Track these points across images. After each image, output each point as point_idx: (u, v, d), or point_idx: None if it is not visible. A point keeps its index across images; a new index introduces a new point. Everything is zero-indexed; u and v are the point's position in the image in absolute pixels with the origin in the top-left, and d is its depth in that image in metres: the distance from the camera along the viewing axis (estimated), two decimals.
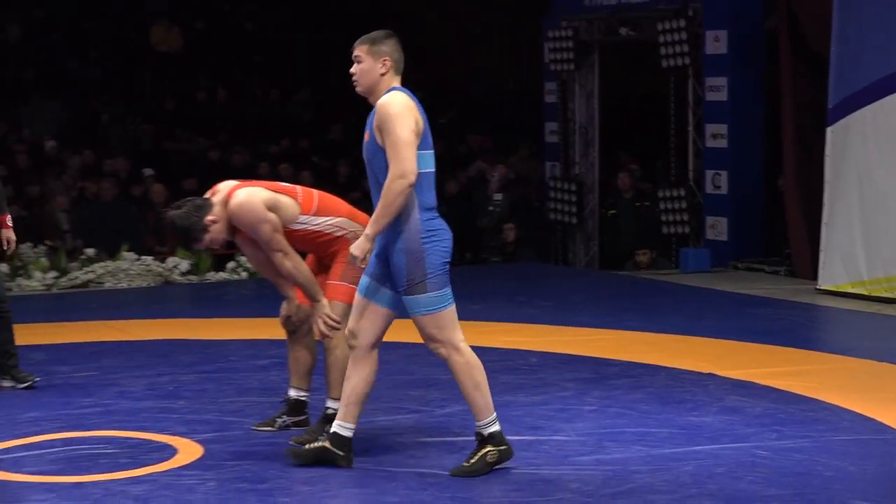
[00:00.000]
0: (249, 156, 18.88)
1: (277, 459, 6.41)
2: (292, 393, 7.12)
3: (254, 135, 19.64)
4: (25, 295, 13.83)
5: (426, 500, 5.73)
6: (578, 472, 6.17)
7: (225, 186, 6.83)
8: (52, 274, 14.22)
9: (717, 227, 14.97)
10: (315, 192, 6.94)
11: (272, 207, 6.70)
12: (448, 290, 6.27)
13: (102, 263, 14.36)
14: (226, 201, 6.73)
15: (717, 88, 14.81)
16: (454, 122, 21.29)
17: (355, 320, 6.31)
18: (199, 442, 6.79)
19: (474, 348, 9.51)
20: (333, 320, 6.64)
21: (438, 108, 21.70)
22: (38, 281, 14.11)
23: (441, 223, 6.22)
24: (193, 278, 14.73)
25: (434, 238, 6.16)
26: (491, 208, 16.82)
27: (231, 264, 15.12)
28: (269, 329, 10.72)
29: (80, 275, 14.26)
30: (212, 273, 14.91)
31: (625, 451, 6.58)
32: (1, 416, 7.55)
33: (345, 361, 6.72)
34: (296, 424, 7.06)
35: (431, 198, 6.18)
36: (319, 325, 6.65)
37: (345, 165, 18.58)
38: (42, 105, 19.35)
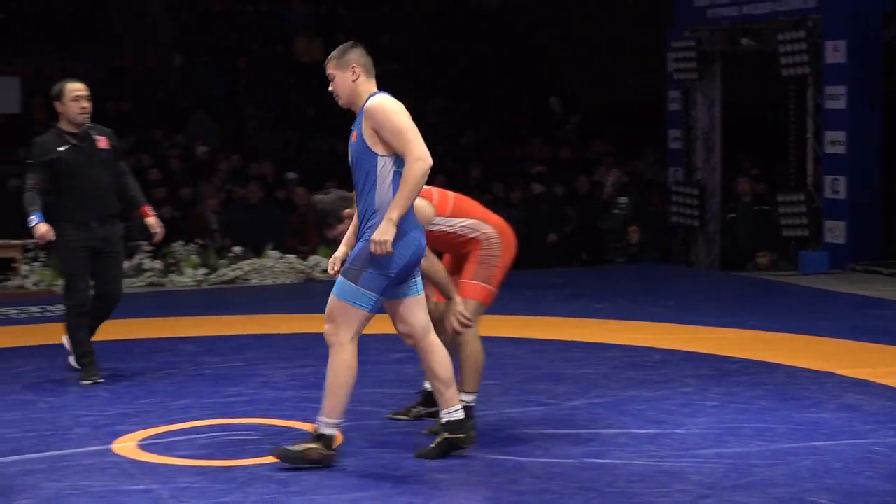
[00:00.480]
0: None
1: (412, 447, 6.43)
2: (427, 385, 7.14)
3: None
4: (177, 290, 14.07)
5: (553, 489, 5.71)
6: (699, 464, 6.11)
7: None
8: (203, 271, 14.43)
9: (836, 231, 14.75)
10: (450, 194, 6.89)
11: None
12: (376, 296, 6.04)
13: (249, 261, 14.54)
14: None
15: (836, 97, 14.58)
16: (580, 128, 21.26)
17: (399, 324, 6.29)
18: (339, 429, 6.83)
19: (598, 345, 9.54)
20: (466, 317, 6.63)
21: (566, 115, 21.72)
22: (189, 277, 14.34)
23: (415, 228, 6.09)
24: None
25: (398, 240, 5.98)
26: (616, 211, 16.75)
27: None
28: None
29: (228, 272, 14.46)
30: None
31: (744, 446, 6.50)
32: (154, 404, 7.68)
33: (476, 357, 6.76)
34: (429, 415, 7.06)
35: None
36: (453, 322, 6.65)
37: (476, 169, 18.62)
38: (197, 116, 19.67)
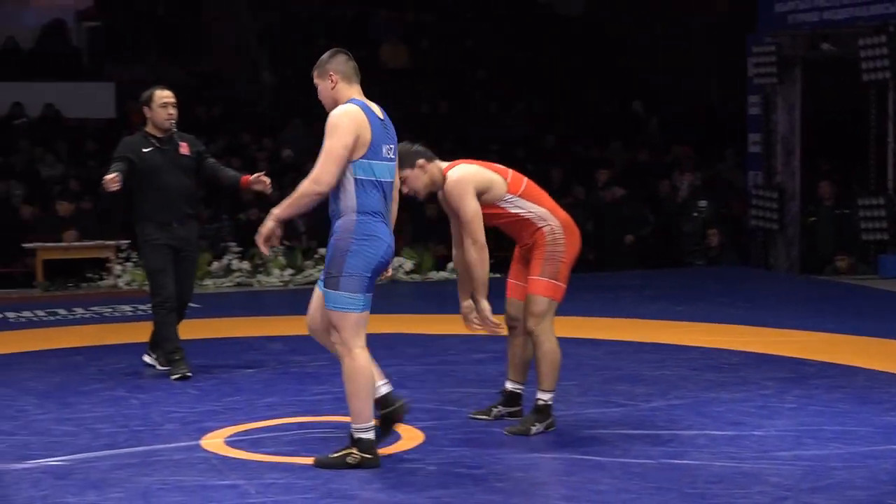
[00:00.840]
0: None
1: (494, 446, 6.43)
2: (508, 385, 7.11)
3: (473, 145, 19.75)
4: (265, 290, 14.17)
5: (632, 489, 5.67)
6: (778, 466, 6.04)
7: (450, 164, 6.85)
8: (289, 272, 14.54)
9: None
10: (525, 178, 6.89)
11: (484, 189, 6.70)
12: (361, 297, 6.03)
13: None
14: (443, 171, 6.75)
15: None
16: (661, 132, 21.14)
17: (315, 311, 6.32)
18: (420, 428, 6.84)
19: (677, 347, 9.48)
20: (492, 322, 6.66)
21: (644, 119, 21.61)
22: (276, 278, 14.45)
23: (380, 230, 6.07)
24: (417, 277, 14.88)
25: (364, 242, 6.00)
26: (695, 214, 16.64)
27: (451, 265, 15.23)
28: None
29: (314, 272, 14.54)
30: (433, 272, 15.05)
31: (823, 448, 6.42)
32: (241, 401, 7.73)
33: (553, 355, 6.75)
34: (510, 415, 7.05)
35: (373, 203, 6.04)
36: (472, 320, 6.72)
37: (558, 173, 18.57)
38: (294, 123, 19.79)
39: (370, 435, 6.07)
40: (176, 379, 8.47)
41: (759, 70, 16.13)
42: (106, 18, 23.30)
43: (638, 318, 11.19)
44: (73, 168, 18.00)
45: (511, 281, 7.06)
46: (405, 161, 6.65)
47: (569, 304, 12.02)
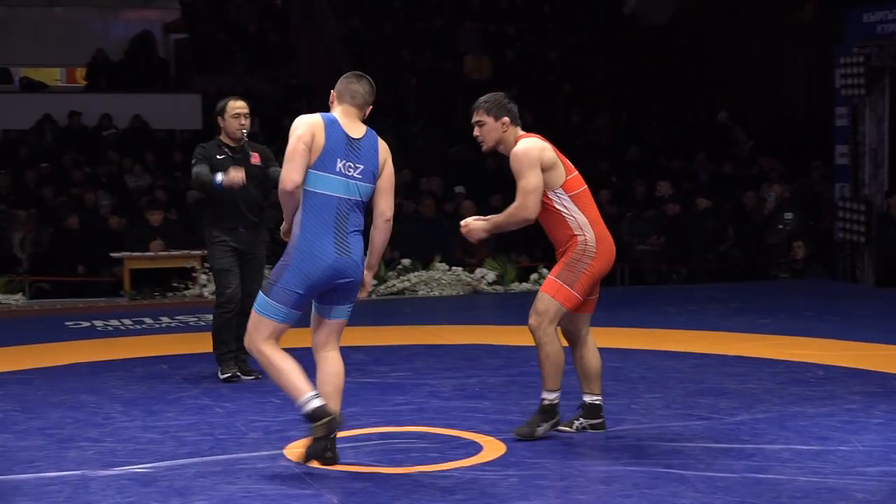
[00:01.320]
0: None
1: (576, 458, 6.40)
2: (586, 398, 7.09)
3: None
4: None
5: (715, 503, 5.62)
6: (864, 482, 5.96)
7: (525, 133, 6.93)
8: (372, 282, 14.57)
9: None
10: (584, 184, 6.93)
11: (547, 166, 6.77)
12: (285, 309, 6.17)
13: (417, 273, 14.65)
14: (518, 137, 6.85)
15: None
16: (752, 147, 20.98)
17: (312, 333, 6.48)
18: (502, 440, 6.84)
19: (762, 360, 9.38)
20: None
21: (730, 130, 21.45)
22: None
23: (322, 248, 6.12)
24: (499, 288, 14.86)
25: (302, 259, 6.12)
26: (780, 226, 16.48)
27: (534, 276, 15.21)
28: None
29: (396, 283, 14.58)
30: (516, 283, 15.03)
31: None
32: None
33: (555, 357, 6.80)
34: (592, 427, 7.03)
35: (319, 219, 6.15)
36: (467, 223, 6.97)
37: (640, 185, 18.49)
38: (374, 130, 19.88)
39: (314, 403, 6.15)
40: (225, 378, 8.80)
41: (846, 81, 15.94)
42: (193, 30, 23.57)
43: (723, 331, 11.10)
44: (160, 179, 18.21)
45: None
46: (493, 109, 6.82)
47: (653, 317, 12.08)
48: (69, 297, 14.85)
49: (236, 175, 8.59)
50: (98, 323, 12.30)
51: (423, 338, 10.74)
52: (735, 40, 23.21)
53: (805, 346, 10.11)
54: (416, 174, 18.39)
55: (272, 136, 20.39)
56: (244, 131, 8.97)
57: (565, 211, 6.81)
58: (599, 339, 10.63)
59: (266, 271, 8.90)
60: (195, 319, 12.31)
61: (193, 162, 8.93)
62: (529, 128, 20.35)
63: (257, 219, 9.06)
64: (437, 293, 14.58)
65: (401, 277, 14.64)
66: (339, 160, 6.19)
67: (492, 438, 6.87)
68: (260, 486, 5.97)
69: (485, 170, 19.34)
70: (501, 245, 16.11)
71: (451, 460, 6.45)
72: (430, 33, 23.41)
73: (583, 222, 6.82)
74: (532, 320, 6.78)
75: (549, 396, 6.84)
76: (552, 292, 6.76)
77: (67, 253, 15.62)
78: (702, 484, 5.93)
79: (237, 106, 9.01)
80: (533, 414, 6.97)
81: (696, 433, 7.02)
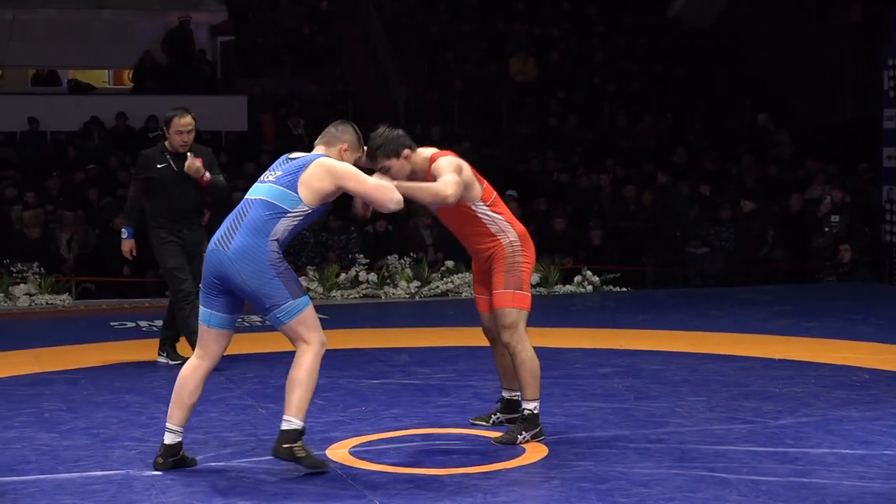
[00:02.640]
0: (596, 178, 18.92)
1: (619, 461, 6.38)
2: (505, 394, 7.24)
3: (602, 158, 19.68)
4: (391, 302, 14.25)
5: None
6: None
7: (430, 149, 6.87)
8: (416, 283, 14.59)
9: None
10: (495, 192, 7.01)
11: (469, 180, 6.77)
12: (202, 309, 6.31)
13: (460, 274, 14.65)
14: (429, 160, 6.77)
15: None
16: (793, 146, 20.86)
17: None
18: (544, 442, 6.82)
19: (807, 364, 9.33)
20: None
21: (774, 132, 21.32)
22: (402, 290, 14.51)
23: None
24: (542, 290, 14.84)
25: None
26: (826, 229, 16.37)
27: (578, 278, 15.18)
28: (613, 339, 10.74)
29: (440, 284, 14.59)
30: (559, 286, 15.01)
31: None
32: (366, 412, 7.78)
33: (531, 364, 6.82)
34: (509, 421, 7.14)
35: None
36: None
37: (687, 186, 18.42)
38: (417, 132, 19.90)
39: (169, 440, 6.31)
40: (179, 363, 9.08)
41: (894, 82, 15.81)
42: (239, 33, 23.66)
43: (767, 334, 11.03)
44: None
45: (477, 297, 7.18)
46: (391, 149, 6.65)
47: (697, 320, 12.02)
48: (114, 298, 14.95)
49: (192, 164, 9.29)
50: (143, 323, 12.37)
51: (466, 339, 10.72)
52: (780, 43, 23.08)
53: (850, 350, 10.04)
54: None
55: (316, 137, 20.45)
56: (186, 148, 9.49)
57: (487, 218, 6.89)
58: (644, 341, 10.64)
59: None
60: (239, 321, 12.32)
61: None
62: (573, 130, 20.17)
63: (199, 219, 9.63)
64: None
65: (444, 279, 14.65)
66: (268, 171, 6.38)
67: (535, 441, 6.85)
68: (302, 487, 5.98)
69: (531, 172, 19.34)
70: (544, 247, 16.09)
71: (493, 462, 6.44)
72: (476, 35, 23.41)
73: (504, 225, 6.92)
74: (505, 336, 6.84)
75: (530, 406, 6.86)
76: (510, 303, 6.84)
77: (113, 254, 15.70)
78: (745, 488, 5.89)
79: (181, 123, 9.53)
80: (516, 423, 6.97)
81: (740, 436, 6.98)
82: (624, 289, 15.37)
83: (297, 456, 6.08)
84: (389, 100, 22.24)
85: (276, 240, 6.12)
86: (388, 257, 14.77)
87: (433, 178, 6.68)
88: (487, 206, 6.87)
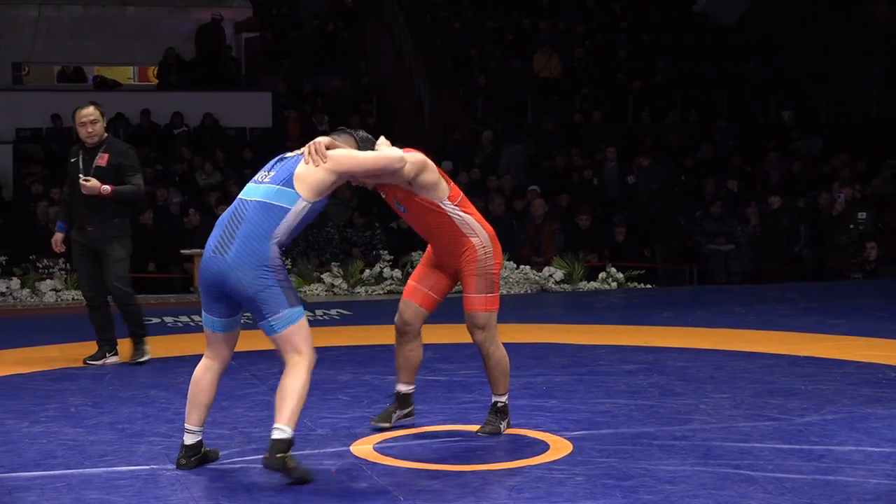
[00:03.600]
0: (619, 173, 18.91)
1: (643, 458, 6.37)
2: (401, 388, 7.26)
3: (627, 155, 19.66)
4: None
5: None
6: None
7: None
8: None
9: None
10: (461, 191, 6.99)
11: (436, 176, 6.73)
12: (204, 315, 6.24)
13: None
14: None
15: None
16: (819, 143, 20.80)
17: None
18: (568, 439, 6.82)
19: (832, 361, 9.30)
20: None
21: (800, 129, 21.25)
22: None
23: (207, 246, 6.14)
24: (567, 287, 14.83)
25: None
26: (852, 226, 16.32)
27: (602, 274, 15.17)
28: (637, 336, 10.73)
29: None
30: (584, 282, 14.99)
31: None
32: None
33: (503, 362, 7.01)
34: (406, 416, 7.24)
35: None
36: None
37: (711, 184, 18.39)
38: (512, 150, 19.86)
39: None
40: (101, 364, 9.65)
41: None
42: (264, 29, 23.72)
43: (793, 332, 11.01)
44: (231, 176, 18.34)
45: (413, 284, 7.19)
46: (367, 147, 6.51)
47: (722, 317, 12.00)
48: (140, 294, 14.98)
49: (84, 186, 9.24)
50: (168, 319, 12.41)
51: None
52: (806, 39, 23.00)
53: (876, 347, 10.00)
54: (484, 173, 18.40)
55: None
56: (92, 139, 9.40)
57: (458, 218, 6.86)
58: (668, 338, 10.62)
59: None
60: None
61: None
62: (599, 126, 20.21)
63: (104, 217, 9.46)
64: (504, 291, 14.57)
65: None
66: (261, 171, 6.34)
67: (558, 437, 6.86)
68: (327, 483, 6.00)
69: (555, 168, 19.33)
70: (569, 243, 16.08)
71: (517, 458, 6.45)
72: (500, 31, 23.40)
73: (474, 224, 6.90)
74: (479, 336, 6.95)
75: (503, 399, 7.06)
76: (484, 307, 6.93)
77: (139, 249, 15.75)
78: (770, 485, 5.88)
79: (81, 115, 9.41)
80: (488, 415, 7.11)
81: (765, 434, 6.97)
82: (648, 286, 15.36)
83: (289, 466, 5.95)
84: (413, 96, 22.26)
85: (277, 242, 6.01)
86: (413, 254, 14.76)
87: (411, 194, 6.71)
88: (455, 205, 6.85)
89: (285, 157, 6.30)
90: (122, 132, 20.19)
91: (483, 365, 7.09)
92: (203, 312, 6.23)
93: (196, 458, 6.31)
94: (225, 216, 6.14)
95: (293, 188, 6.05)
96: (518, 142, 19.58)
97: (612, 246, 16.28)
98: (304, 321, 6.09)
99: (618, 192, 18.81)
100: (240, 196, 6.17)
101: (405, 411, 7.29)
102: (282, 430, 5.97)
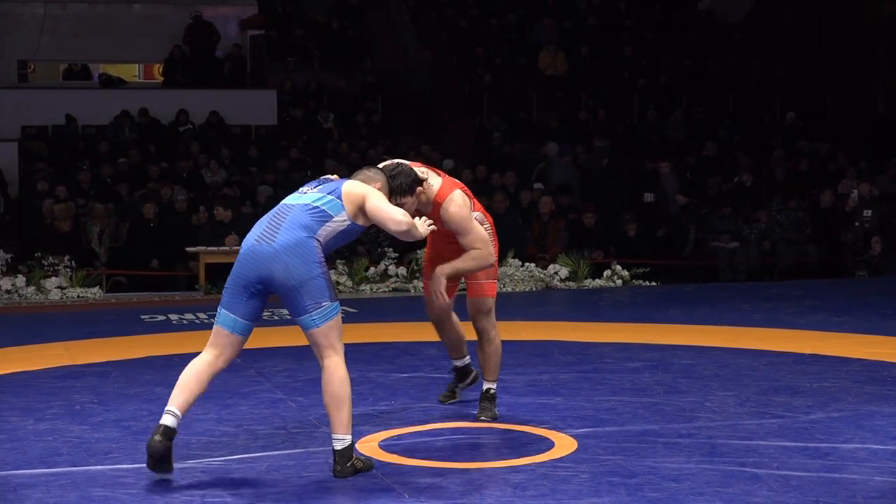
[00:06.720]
0: (630, 172, 18.90)
1: (648, 455, 6.36)
2: (457, 363, 7.71)
3: (632, 152, 19.64)
4: (421, 295, 14.21)
5: (789, 502, 5.57)
6: None
7: (436, 182, 6.97)
8: None
9: None
10: (468, 191, 7.20)
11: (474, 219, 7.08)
12: (220, 310, 6.25)
13: None
14: (435, 199, 6.93)
15: None
16: (823, 140, 20.78)
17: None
18: (573, 436, 6.81)
19: (838, 359, 9.28)
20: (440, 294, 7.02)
21: (804, 127, 21.23)
22: None
23: (244, 244, 6.23)
24: (572, 284, 14.83)
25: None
26: (857, 224, 16.31)
27: (607, 272, 15.16)
28: (642, 333, 10.72)
29: None
30: (589, 280, 14.98)
31: None
32: (396, 406, 7.78)
33: (500, 349, 7.37)
34: (471, 384, 7.74)
35: None
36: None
37: (715, 182, 18.37)
38: (448, 127, 19.90)
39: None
40: None
41: None
42: (269, 27, 23.72)
43: (798, 329, 11.00)
44: (235, 174, 18.34)
45: (427, 280, 7.43)
46: (404, 189, 6.66)
47: (728, 315, 11.98)
48: (145, 291, 15.02)
49: None
50: (173, 317, 12.42)
51: None
52: (812, 36, 22.98)
53: (882, 345, 9.99)
54: (490, 170, 18.39)
55: (347, 131, 20.50)
56: None
57: (485, 224, 7.22)
58: (673, 336, 10.62)
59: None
60: (268, 314, 12.37)
61: None
62: (604, 125, 20.16)
63: None
64: (509, 289, 14.56)
65: None
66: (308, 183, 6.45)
67: (563, 434, 6.85)
68: (332, 480, 5.99)
69: (561, 167, 19.30)
70: (575, 241, 16.07)
71: (522, 456, 6.44)
72: (505, 29, 23.39)
73: (481, 218, 7.24)
74: (483, 321, 7.29)
75: (494, 386, 7.39)
76: (488, 293, 7.34)
77: (144, 247, 15.78)
78: (775, 483, 5.87)
79: None
80: (482, 402, 7.36)
81: (770, 431, 6.95)
82: (654, 283, 15.34)
83: (358, 468, 6.07)
84: (418, 94, 22.25)
85: (319, 240, 6.06)
86: (418, 251, 14.76)
87: (453, 224, 6.94)
88: (475, 213, 7.14)
89: (329, 179, 6.38)
90: (127, 130, 20.21)
91: (480, 350, 7.32)
92: (222, 311, 6.19)
93: (170, 441, 5.99)
94: (266, 216, 6.21)
95: (341, 200, 6.15)
96: (564, 153, 19.31)
97: (617, 244, 16.24)
98: (340, 317, 6.17)
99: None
100: (283, 202, 6.25)
101: (467, 381, 7.74)
102: (341, 439, 6.04)
